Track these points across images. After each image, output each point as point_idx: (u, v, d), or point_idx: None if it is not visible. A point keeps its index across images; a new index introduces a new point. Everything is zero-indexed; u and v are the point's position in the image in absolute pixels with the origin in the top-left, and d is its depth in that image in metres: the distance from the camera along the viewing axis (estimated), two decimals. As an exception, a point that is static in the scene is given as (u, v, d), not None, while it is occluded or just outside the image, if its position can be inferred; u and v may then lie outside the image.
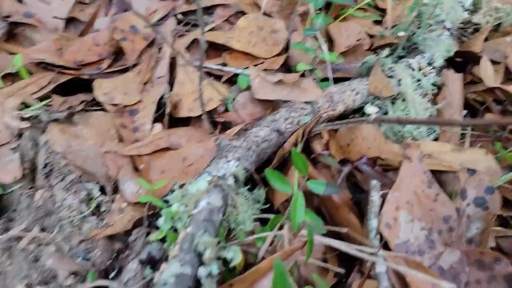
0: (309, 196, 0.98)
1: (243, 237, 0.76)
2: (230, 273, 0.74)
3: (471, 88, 1.28)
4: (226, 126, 1.10)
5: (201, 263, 0.65)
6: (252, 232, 0.79)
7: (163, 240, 0.75)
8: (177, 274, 0.62)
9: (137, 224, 0.84)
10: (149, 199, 0.80)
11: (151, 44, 1.27)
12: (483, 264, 0.90)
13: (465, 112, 1.18)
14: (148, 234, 0.78)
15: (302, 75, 1.18)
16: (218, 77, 1.21)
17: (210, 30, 1.31)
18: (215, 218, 0.73)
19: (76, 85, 1.14)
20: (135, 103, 1.10)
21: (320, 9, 1.42)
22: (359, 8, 1.50)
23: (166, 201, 0.78)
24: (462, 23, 1.47)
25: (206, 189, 0.76)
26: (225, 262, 0.70)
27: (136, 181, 0.90)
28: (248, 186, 0.86)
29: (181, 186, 0.79)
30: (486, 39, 1.37)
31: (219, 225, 0.78)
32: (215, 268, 0.64)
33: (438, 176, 1.06)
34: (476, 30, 1.50)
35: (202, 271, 0.64)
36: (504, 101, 1.24)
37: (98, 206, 0.89)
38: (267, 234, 0.74)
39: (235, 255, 0.69)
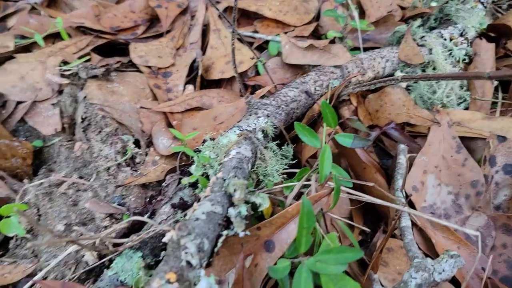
0: (337, 157, 1.00)
1: (271, 186, 0.79)
2: (257, 220, 0.76)
3: (504, 62, 1.26)
4: (256, 89, 1.12)
5: (231, 204, 0.68)
6: (280, 184, 0.81)
7: (194, 186, 0.78)
8: (208, 212, 0.64)
9: (170, 173, 0.87)
10: (181, 148, 0.83)
11: (184, 11, 1.30)
12: (509, 229, 0.90)
13: (496, 82, 1.17)
14: (180, 181, 0.81)
15: (333, 43, 1.19)
16: (249, 44, 1.23)
17: (243, -2, 1.33)
18: (244, 166, 0.75)
19: (112, 48, 1.19)
20: (169, 66, 1.13)
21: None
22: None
23: (198, 151, 0.81)
24: (496, -2, 1.45)
25: (236, 141, 0.79)
26: (254, 209, 0.73)
27: (168, 136, 0.94)
28: (277, 142, 0.88)
29: (212, 139, 0.82)
30: (521, 14, 1.34)
31: (248, 175, 0.80)
32: (244, 209, 0.67)
33: (468, 143, 1.06)
34: (511, 6, 1.47)
35: (232, 211, 0.67)
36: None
37: (132, 158, 0.93)
38: (295, 184, 0.76)
39: (263, 201, 0.71)
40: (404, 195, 0.89)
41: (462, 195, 0.94)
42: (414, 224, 0.90)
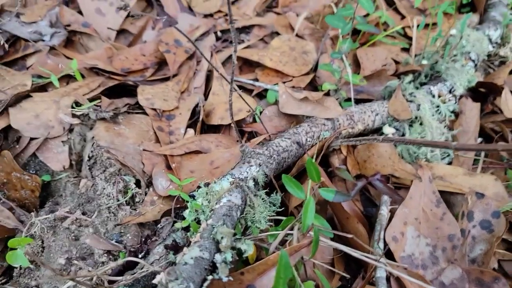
0: (323, 206, 1.06)
1: (257, 233, 0.85)
2: (243, 264, 0.83)
3: (490, 118, 1.33)
4: (252, 135, 1.20)
5: (218, 250, 0.75)
6: (266, 230, 0.88)
7: (186, 229, 0.85)
8: (196, 257, 0.71)
9: (165, 215, 0.94)
10: (177, 193, 0.90)
11: (191, 57, 1.39)
12: (482, 283, 0.95)
13: (480, 139, 1.24)
14: (174, 223, 0.88)
15: (328, 94, 1.28)
16: (249, 91, 1.32)
17: (246, 47, 1.43)
18: (234, 214, 0.82)
19: (122, 89, 1.27)
20: (173, 109, 1.22)
21: (352, 33, 1.52)
22: (388, 35, 1.58)
23: (192, 196, 0.88)
24: (489, 55, 1.53)
25: (228, 188, 0.86)
26: (239, 255, 0.79)
27: (167, 178, 1.01)
28: (266, 190, 0.95)
29: (207, 184, 0.89)
30: (511, 72, 1.42)
31: (237, 221, 0.87)
32: (229, 256, 0.74)
33: (448, 197, 1.12)
34: (503, 63, 1.55)
35: (218, 257, 0.73)
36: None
37: (132, 197, 1.00)
38: (279, 232, 0.83)
39: (248, 247, 0.78)
40: (382, 246, 0.95)
41: (440, 247, 1.00)
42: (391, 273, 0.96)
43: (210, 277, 0.71)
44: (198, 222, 0.84)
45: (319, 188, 0.88)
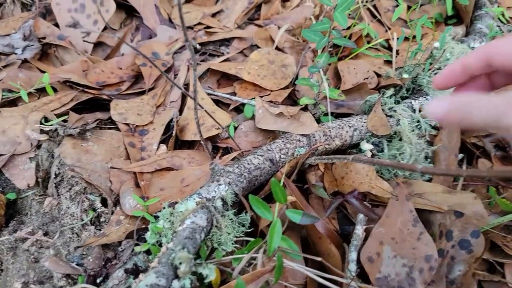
0: (298, 225, 1.03)
1: (220, 256, 0.82)
2: (207, 288, 0.79)
3: (473, 133, 1.30)
4: (227, 151, 1.17)
5: (177, 276, 0.71)
6: (232, 253, 0.84)
7: (148, 252, 0.82)
8: (152, 284, 0.68)
9: (130, 236, 0.91)
10: (141, 213, 0.87)
11: (168, 70, 1.36)
12: (460, 306, 0.92)
13: (461, 155, 1.21)
14: (136, 246, 0.84)
15: (306, 109, 1.25)
16: (227, 105, 1.29)
17: (224, 60, 1.40)
18: (197, 236, 0.79)
19: (95, 104, 1.24)
20: (146, 124, 1.19)
21: (335, 46, 1.50)
22: (372, 48, 1.56)
23: (157, 217, 0.85)
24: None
25: (192, 209, 0.83)
26: (202, 280, 0.76)
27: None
28: (235, 210, 0.91)
29: (172, 204, 0.86)
30: (494, 85, 1.39)
31: (202, 244, 0.84)
32: (187, 282, 0.70)
33: (427, 215, 1.09)
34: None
35: (176, 284, 0.70)
36: (506, 147, 1.26)
37: (98, 217, 0.97)
38: (243, 256, 0.80)
39: (210, 272, 0.75)
40: (354, 268, 0.92)
41: (416, 268, 0.96)
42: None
43: (165, 306, 0.68)
44: (160, 245, 0.81)
45: (286, 210, 0.85)
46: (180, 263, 0.71)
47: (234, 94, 1.30)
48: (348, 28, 1.60)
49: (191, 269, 0.72)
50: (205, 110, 0.98)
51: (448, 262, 1.01)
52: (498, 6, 1.70)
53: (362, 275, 0.98)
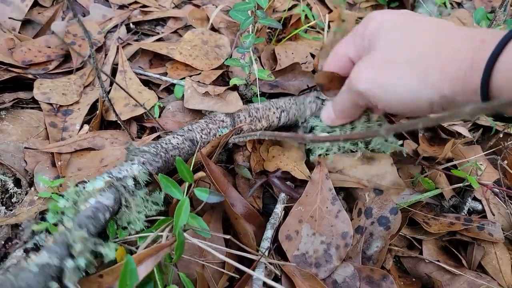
0: (221, 206, 1.03)
1: (123, 235, 0.81)
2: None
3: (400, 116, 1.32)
4: (154, 130, 1.16)
5: (71, 256, 0.70)
6: (142, 232, 0.84)
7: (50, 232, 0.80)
8: (43, 264, 0.67)
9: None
10: (48, 194, 0.85)
11: (99, 49, 1.33)
12: (372, 280, 0.94)
13: (388, 136, 1.22)
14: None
15: (238, 90, 1.24)
16: (157, 85, 1.27)
17: (158, 40, 1.38)
18: (100, 216, 0.78)
19: (19, 83, 1.20)
20: (72, 104, 1.16)
21: (277, 28, 1.49)
22: (312, 30, 1.56)
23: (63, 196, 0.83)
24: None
25: (99, 188, 0.81)
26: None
27: (51, 176, 0.96)
28: (149, 189, 0.90)
29: (80, 183, 0.84)
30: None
31: (110, 223, 0.83)
32: (82, 261, 0.69)
33: (351, 191, 1.11)
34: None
35: (69, 263, 0.69)
36: (435, 128, 1.29)
37: (10, 197, 0.95)
38: (148, 234, 0.79)
39: (109, 252, 0.74)
40: (268, 245, 0.92)
41: (333, 245, 0.98)
42: (284, 272, 0.94)
43: (55, 286, 0.66)
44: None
45: (195, 188, 0.84)
46: (75, 242, 0.70)
47: (165, 74, 1.28)
48: (290, 8, 1.59)
49: (88, 249, 0.71)
50: (122, 88, 0.96)
51: (367, 238, 1.03)
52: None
53: (282, 254, 1.00)
